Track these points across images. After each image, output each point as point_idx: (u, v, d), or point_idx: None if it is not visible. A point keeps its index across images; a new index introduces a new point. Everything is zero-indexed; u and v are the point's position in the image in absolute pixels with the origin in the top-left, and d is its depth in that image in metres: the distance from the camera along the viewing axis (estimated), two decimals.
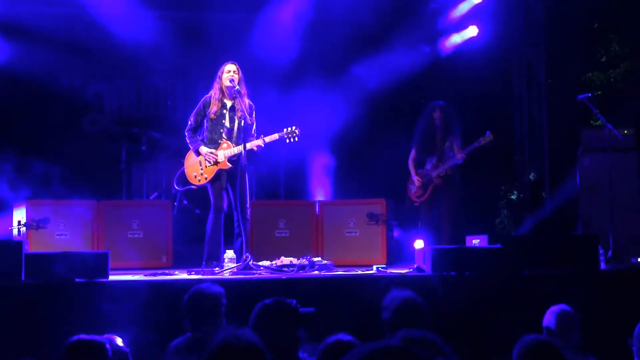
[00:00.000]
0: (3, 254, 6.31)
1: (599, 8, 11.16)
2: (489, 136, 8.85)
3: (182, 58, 11.03)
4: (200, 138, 7.97)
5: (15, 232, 8.35)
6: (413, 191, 9.17)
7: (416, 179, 9.10)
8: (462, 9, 11.16)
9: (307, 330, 4.16)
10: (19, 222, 8.27)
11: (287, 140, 7.92)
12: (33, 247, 7.90)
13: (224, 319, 5.02)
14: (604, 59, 11.05)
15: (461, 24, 11.21)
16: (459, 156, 8.93)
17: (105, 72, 11.50)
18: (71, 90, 11.41)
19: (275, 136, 7.89)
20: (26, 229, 8.15)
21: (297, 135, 7.87)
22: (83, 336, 4.00)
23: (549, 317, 5.13)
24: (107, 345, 4.00)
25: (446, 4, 11.27)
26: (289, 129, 7.88)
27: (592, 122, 9.82)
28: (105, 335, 4.67)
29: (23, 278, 6.26)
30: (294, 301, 4.23)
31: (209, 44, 10.62)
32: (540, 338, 3.94)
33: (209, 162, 7.85)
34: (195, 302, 4.99)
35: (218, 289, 5.08)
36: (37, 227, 8.22)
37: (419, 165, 9.22)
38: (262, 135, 7.82)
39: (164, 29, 10.63)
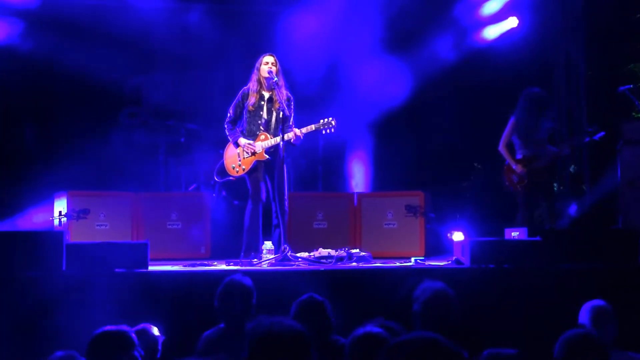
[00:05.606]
0: (45, 244, 6.40)
1: None
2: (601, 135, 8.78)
3: (220, 50, 11.06)
4: (239, 130, 8.00)
5: (56, 222, 8.47)
6: (515, 180, 8.74)
7: (519, 168, 8.66)
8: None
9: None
10: (60, 212, 8.38)
11: (324, 132, 7.92)
12: (74, 237, 8.00)
13: (254, 310, 5.05)
14: None
15: (499, 15, 11.10)
16: (566, 149, 8.99)
17: (143, 65, 11.55)
18: (110, 83, 11.46)
19: (312, 127, 7.89)
20: (67, 219, 8.25)
21: (333, 127, 7.86)
22: (108, 328, 4.01)
23: (583, 314, 5.08)
24: (132, 334, 4.00)
25: None
26: (325, 120, 7.87)
27: (633, 114, 9.69)
28: (142, 325, 4.74)
29: (64, 268, 6.34)
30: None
31: (247, 35, 10.63)
32: (584, 332, 3.90)
33: (247, 154, 7.88)
34: (228, 293, 5.02)
35: (248, 280, 5.11)
36: (78, 218, 8.31)
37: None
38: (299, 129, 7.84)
39: (201, 20, 10.66)
